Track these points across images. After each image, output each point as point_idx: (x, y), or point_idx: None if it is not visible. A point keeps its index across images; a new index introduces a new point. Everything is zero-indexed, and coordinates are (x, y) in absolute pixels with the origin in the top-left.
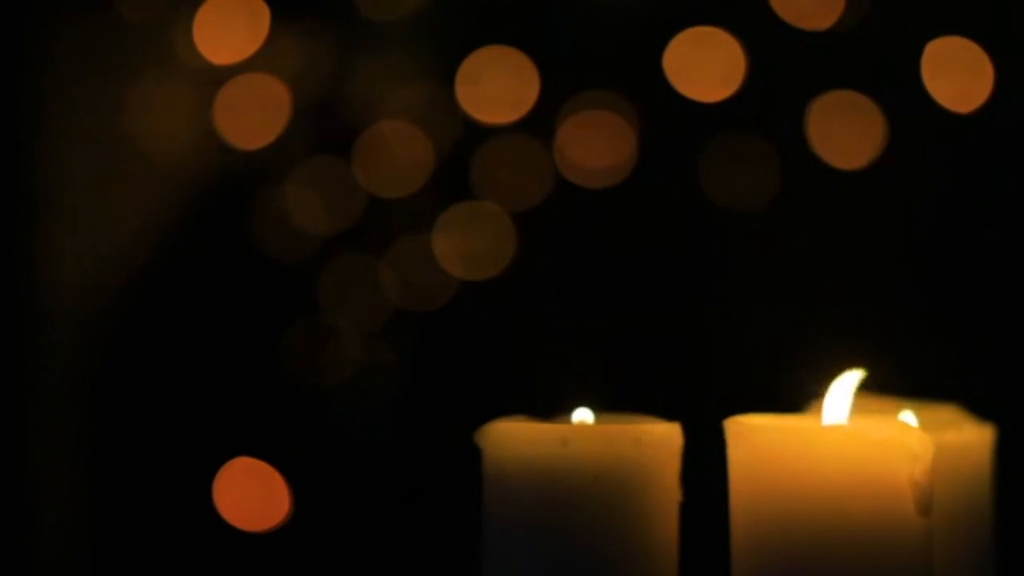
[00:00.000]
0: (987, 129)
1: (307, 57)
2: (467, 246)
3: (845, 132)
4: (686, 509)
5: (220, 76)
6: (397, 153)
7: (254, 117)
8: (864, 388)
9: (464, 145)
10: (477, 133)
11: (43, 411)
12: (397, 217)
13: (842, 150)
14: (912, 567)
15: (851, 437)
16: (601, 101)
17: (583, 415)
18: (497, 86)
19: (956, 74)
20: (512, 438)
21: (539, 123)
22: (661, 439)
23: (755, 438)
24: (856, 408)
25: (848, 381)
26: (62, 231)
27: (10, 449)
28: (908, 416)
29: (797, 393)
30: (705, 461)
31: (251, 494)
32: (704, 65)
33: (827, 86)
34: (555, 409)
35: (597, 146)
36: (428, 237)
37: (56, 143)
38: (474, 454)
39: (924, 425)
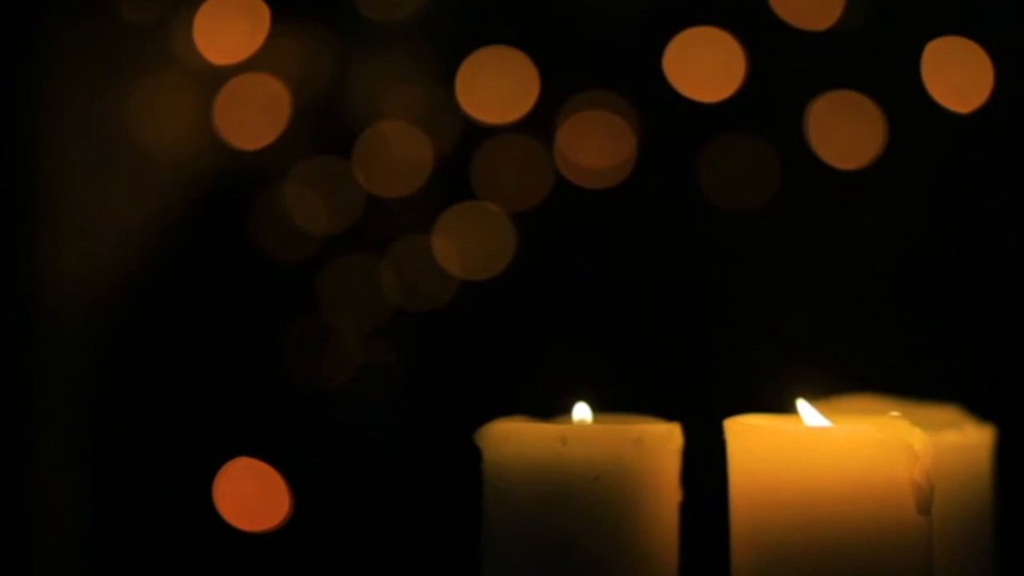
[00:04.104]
0: (987, 129)
1: (307, 57)
2: (467, 246)
3: (845, 132)
4: (686, 509)
5: (220, 76)
6: (397, 153)
7: (254, 117)
8: (862, 390)
9: (464, 145)
10: (477, 133)
11: (43, 411)
12: (397, 217)
13: (842, 150)
14: (912, 567)
15: (851, 437)
16: (601, 101)
17: (582, 411)
18: (497, 86)
19: (956, 74)
20: (512, 438)
21: (539, 123)
22: (661, 439)
23: (755, 438)
24: (855, 409)
25: (805, 408)
26: (63, 231)
27: (10, 449)
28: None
29: (797, 393)
30: (705, 461)
31: (251, 494)
32: (704, 65)
33: (827, 86)
34: (555, 409)
35: (597, 146)
36: (428, 237)
37: (56, 143)
38: (474, 454)
39: (924, 425)
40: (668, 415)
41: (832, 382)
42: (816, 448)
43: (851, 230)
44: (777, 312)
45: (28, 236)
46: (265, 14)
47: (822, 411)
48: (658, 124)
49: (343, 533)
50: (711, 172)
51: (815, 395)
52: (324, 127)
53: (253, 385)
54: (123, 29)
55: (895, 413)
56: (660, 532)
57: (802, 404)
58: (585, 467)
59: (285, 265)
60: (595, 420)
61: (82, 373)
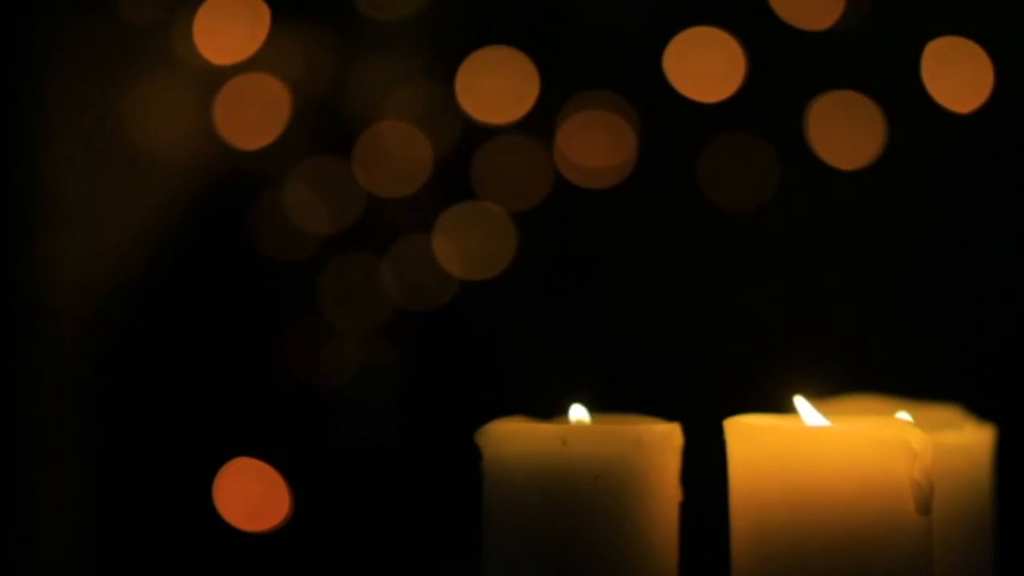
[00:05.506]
0: (987, 129)
1: (307, 57)
2: (467, 246)
3: (845, 132)
4: (686, 509)
5: (220, 76)
6: (397, 153)
7: (254, 117)
8: (862, 390)
9: (464, 145)
10: (477, 133)
11: (43, 410)
12: (397, 217)
13: (842, 150)
14: (912, 567)
15: (851, 437)
16: (601, 101)
17: (578, 412)
18: (497, 86)
19: (956, 74)
20: (512, 438)
21: (539, 123)
22: (661, 439)
23: (755, 438)
24: (855, 409)
25: (804, 406)
26: (62, 231)
27: (10, 448)
28: (904, 415)
29: (796, 392)
30: (705, 461)
31: (251, 494)
32: (704, 65)
33: (827, 86)
34: (555, 409)
35: (597, 146)
36: (428, 237)
37: (56, 143)
38: (474, 454)
39: (924, 425)
40: (668, 415)
41: (832, 382)
42: (816, 448)
43: (851, 230)
44: (777, 312)
45: (27, 236)
46: (265, 14)
47: (821, 411)
48: (658, 124)
49: (343, 533)
50: (711, 172)
51: (815, 395)
52: (324, 127)
53: (253, 385)
54: (123, 29)
55: (902, 413)
56: (660, 532)
57: (799, 401)
58: (585, 467)
59: (285, 265)
60: (593, 420)
61: (81, 373)
